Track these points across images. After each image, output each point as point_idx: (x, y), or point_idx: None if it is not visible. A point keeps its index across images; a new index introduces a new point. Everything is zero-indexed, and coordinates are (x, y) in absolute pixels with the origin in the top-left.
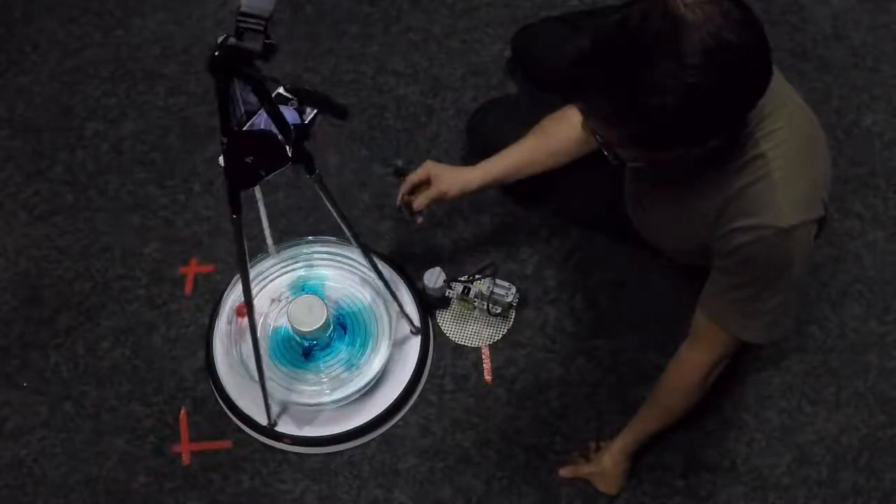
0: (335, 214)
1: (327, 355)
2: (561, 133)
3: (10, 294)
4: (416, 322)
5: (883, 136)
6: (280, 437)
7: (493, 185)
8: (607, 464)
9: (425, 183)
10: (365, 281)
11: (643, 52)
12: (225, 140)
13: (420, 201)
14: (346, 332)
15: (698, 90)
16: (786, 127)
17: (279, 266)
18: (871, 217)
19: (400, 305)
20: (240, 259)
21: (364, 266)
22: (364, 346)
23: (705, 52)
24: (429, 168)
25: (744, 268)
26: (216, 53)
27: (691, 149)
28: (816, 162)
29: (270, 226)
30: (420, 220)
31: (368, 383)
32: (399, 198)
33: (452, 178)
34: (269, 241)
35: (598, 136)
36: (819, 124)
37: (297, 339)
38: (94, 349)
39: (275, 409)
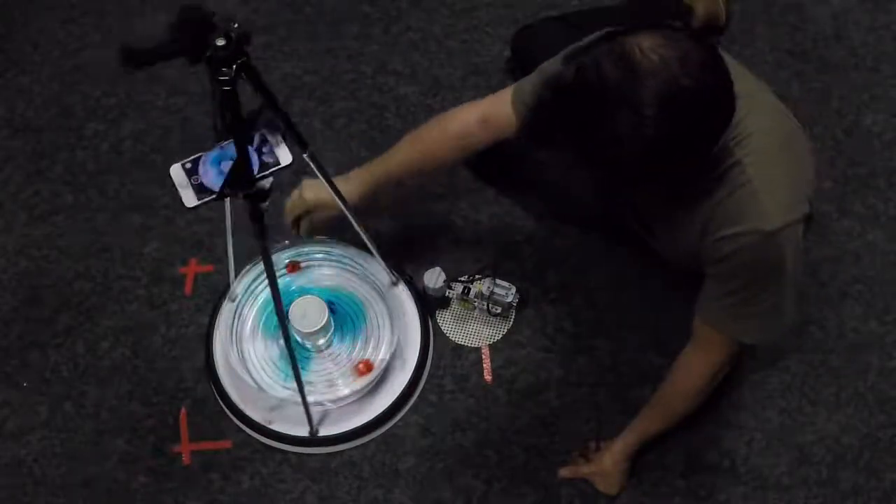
0: (331, 190)
1: (327, 355)
2: (442, 149)
3: (10, 294)
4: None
5: (883, 136)
6: (320, 441)
7: (374, 196)
8: (607, 464)
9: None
10: (365, 281)
11: (600, 104)
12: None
13: (304, 230)
14: (346, 333)
15: (657, 140)
16: (759, 130)
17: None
18: (871, 217)
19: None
20: (266, 267)
21: (365, 266)
22: (364, 346)
23: (661, 102)
24: (305, 200)
25: (735, 274)
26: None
27: (657, 184)
28: (796, 160)
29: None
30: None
31: (369, 383)
32: (289, 227)
33: (326, 201)
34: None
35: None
36: (794, 119)
37: (298, 339)
38: (94, 349)
39: (273, 411)
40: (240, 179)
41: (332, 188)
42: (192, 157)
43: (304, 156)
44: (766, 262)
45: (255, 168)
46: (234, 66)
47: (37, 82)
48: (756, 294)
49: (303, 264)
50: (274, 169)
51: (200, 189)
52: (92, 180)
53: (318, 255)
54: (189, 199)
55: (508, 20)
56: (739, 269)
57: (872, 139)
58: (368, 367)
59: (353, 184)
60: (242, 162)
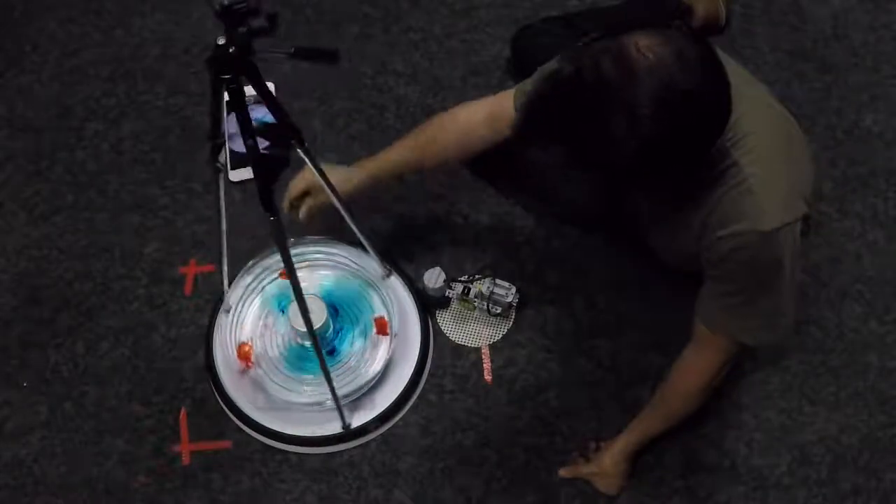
0: (283, 262)
1: (327, 355)
2: (448, 138)
3: (10, 294)
4: (350, 420)
5: (883, 136)
6: (255, 425)
7: (378, 181)
8: (607, 464)
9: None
10: (365, 281)
11: (596, 104)
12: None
13: (302, 214)
14: (346, 333)
15: (652, 140)
16: (756, 131)
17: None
18: (871, 217)
19: (336, 399)
20: (285, 261)
21: (364, 266)
22: (364, 346)
23: (657, 102)
24: (306, 179)
25: (733, 275)
26: (229, 49)
27: (652, 183)
28: (793, 160)
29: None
30: (303, 219)
31: (368, 383)
32: (284, 206)
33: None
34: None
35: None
36: (793, 120)
37: (299, 339)
38: (94, 349)
39: (277, 410)
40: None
41: (322, 178)
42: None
43: (299, 151)
44: (763, 262)
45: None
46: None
47: (37, 82)
48: (755, 294)
49: (305, 264)
50: (226, 161)
51: (236, 158)
52: (92, 180)
53: (317, 256)
54: (236, 175)
55: (508, 20)
56: (737, 269)
57: (872, 139)
58: (247, 354)
59: (352, 174)
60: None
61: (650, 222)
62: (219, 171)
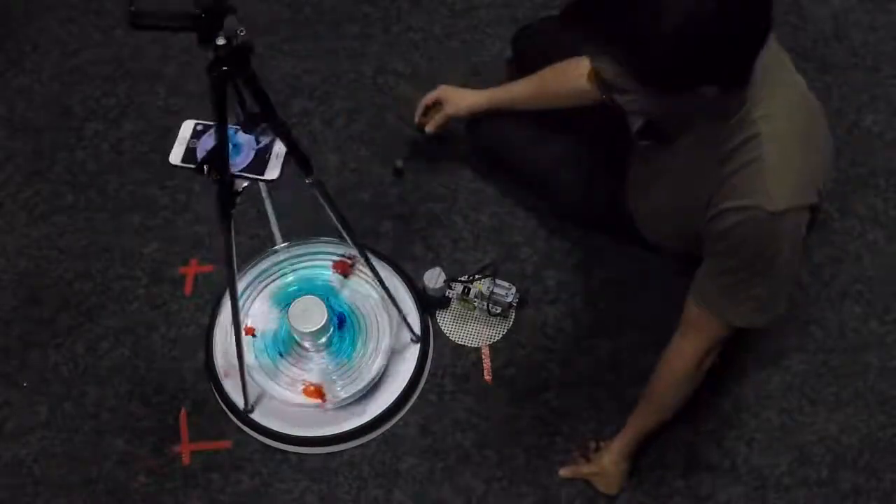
0: (334, 218)
1: (327, 355)
2: (559, 86)
3: (10, 294)
4: (417, 329)
5: (883, 136)
6: (254, 425)
7: (497, 109)
8: (607, 464)
9: (437, 105)
10: (366, 281)
11: None
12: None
13: (432, 125)
14: (346, 333)
15: (695, 22)
16: (784, 111)
17: (282, 264)
18: (871, 217)
19: (400, 311)
20: (227, 261)
21: (364, 266)
22: (365, 346)
23: None
24: (440, 92)
25: (733, 250)
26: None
27: (685, 93)
28: (812, 150)
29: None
30: (430, 131)
31: (368, 383)
32: (416, 118)
33: (460, 100)
34: (278, 236)
35: (600, 84)
36: (824, 115)
37: (297, 339)
38: (94, 349)
39: (271, 405)
40: (217, 163)
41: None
42: (208, 123)
43: (308, 181)
44: (765, 242)
45: (244, 164)
46: (223, 70)
47: (37, 82)
48: (751, 276)
49: (307, 264)
50: (253, 176)
51: (190, 155)
52: (92, 180)
53: (316, 256)
54: (175, 156)
55: (508, 20)
56: (738, 246)
57: (872, 139)
58: (319, 392)
59: (480, 96)
60: (221, 147)
61: (660, 191)
62: (234, 207)
